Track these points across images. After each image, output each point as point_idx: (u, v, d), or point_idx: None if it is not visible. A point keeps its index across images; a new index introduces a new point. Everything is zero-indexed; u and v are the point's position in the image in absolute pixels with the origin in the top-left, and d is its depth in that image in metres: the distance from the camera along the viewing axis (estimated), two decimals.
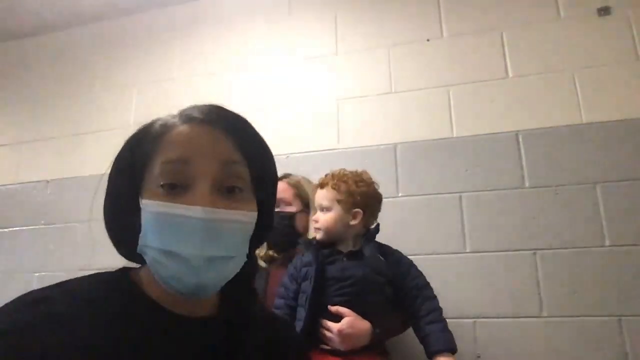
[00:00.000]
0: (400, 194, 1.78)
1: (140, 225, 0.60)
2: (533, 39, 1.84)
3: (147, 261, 0.60)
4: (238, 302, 0.69)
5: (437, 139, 1.81)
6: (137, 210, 0.60)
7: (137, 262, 0.66)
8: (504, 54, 1.86)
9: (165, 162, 0.59)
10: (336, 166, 1.86)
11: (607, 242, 1.57)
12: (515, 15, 1.89)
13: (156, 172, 0.60)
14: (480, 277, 1.63)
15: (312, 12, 2.16)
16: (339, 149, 1.92)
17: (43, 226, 2.23)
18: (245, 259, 0.64)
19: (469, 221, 1.69)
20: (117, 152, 0.66)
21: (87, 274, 0.62)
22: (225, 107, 0.66)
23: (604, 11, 1.80)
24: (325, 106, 2.00)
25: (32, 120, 2.43)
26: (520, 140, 1.73)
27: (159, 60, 2.32)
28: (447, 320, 1.25)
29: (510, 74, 1.83)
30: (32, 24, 2.50)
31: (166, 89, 2.25)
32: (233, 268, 0.61)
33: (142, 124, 0.66)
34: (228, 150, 0.62)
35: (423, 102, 1.88)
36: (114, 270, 0.65)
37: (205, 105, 0.65)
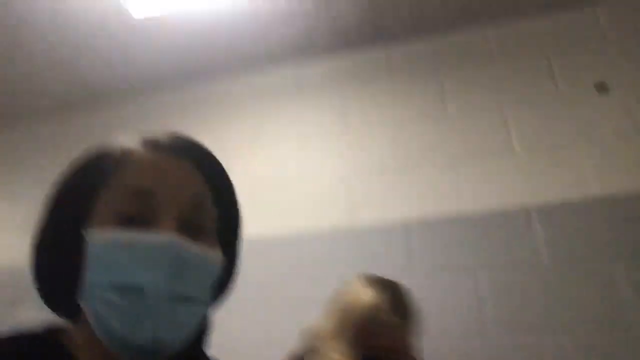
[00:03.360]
0: (415, 272, 1.78)
1: (80, 267, 0.49)
2: (534, 113, 1.90)
3: (90, 308, 0.48)
4: None
5: (448, 215, 1.83)
6: (80, 248, 0.49)
7: (68, 318, 0.55)
8: (508, 130, 1.91)
9: (123, 190, 0.51)
10: (348, 244, 1.87)
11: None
12: (514, 92, 1.96)
13: (111, 202, 0.50)
14: None
15: (321, 94, 2.24)
16: (349, 226, 1.93)
17: None
18: (206, 312, 0.55)
19: (487, 299, 1.67)
20: (59, 177, 0.56)
21: (7, 331, 0.51)
22: (189, 137, 0.59)
23: (601, 87, 1.85)
24: (335, 183, 2.03)
25: None
26: (533, 216, 1.74)
27: None
28: None
29: (516, 149, 1.87)
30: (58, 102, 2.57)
31: None
32: (195, 316, 0.51)
33: (95, 148, 0.57)
34: (196, 185, 0.54)
35: (430, 178, 1.92)
36: (37, 328, 0.53)
37: (170, 132, 0.58)
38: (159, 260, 0.47)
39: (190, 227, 0.51)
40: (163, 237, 0.48)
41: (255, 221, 2.00)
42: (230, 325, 1.84)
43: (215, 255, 0.54)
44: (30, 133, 2.67)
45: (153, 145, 0.55)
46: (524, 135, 1.88)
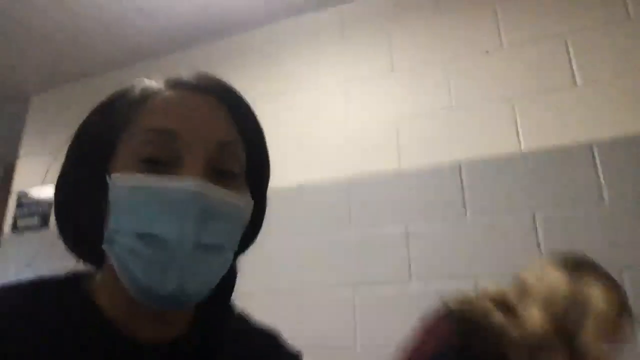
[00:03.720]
0: (468, 214, 1.73)
1: (103, 211, 0.48)
2: (601, 43, 1.74)
3: (114, 255, 0.46)
4: (212, 319, 0.57)
5: (504, 153, 1.75)
6: (102, 191, 0.48)
7: (92, 264, 0.54)
8: (570, 61, 1.77)
9: (147, 130, 0.48)
10: (398, 187, 1.84)
11: None
12: (579, 19, 1.80)
13: (134, 144, 0.48)
14: None
15: (365, 33, 2.15)
16: (400, 169, 1.88)
17: None
18: (232, 260, 0.52)
19: (544, 241, 1.61)
20: (81, 122, 0.54)
21: (30, 278, 0.50)
22: (214, 75, 0.55)
23: None
24: (384, 126, 1.97)
25: None
26: (595, 152, 1.64)
27: None
28: None
29: (579, 82, 1.73)
30: (93, 63, 2.66)
31: None
32: (222, 265, 0.49)
33: (114, 91, 0.54)
34: (225, 126, 0.51)
35: (486, 116, 1.82)
36: (60, 275, 0.52)
37: (196, 71, 0.55)
38: (184, 209, 0.45)
39: (217, 172, 0.49)
40: (189, 184, 0.45)
41: (303, 167, 2.01)
42: (281, 270, 1.90)
43: (244, 202, 0.51)
44: (85, 88, 2.75)
45: (176, 83, 0.52)
46: (588, 67, 1.73)
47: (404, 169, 1.88)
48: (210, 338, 0.55)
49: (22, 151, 2.80)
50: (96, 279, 0.52)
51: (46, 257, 2.35)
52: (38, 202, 2.55)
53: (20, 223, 2.55)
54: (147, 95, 0.51)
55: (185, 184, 0.45)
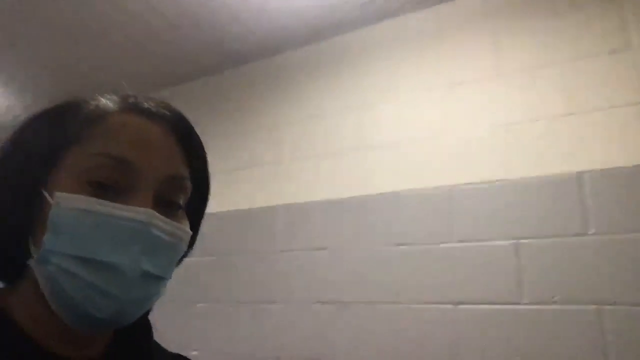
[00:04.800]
0: (591, 232, 1.54)
1: (29, 226, 0.46)
2: None
3: (46, 274, 0.45)
4: (132, 338, 0.57)
5: (634, 165, 1.55)
6: (34, 206, 0.46)
7: (4, 280, 0.52)
8: None
9: (101, 154, 0.47)
10: (506, 198, 1.69)
11: None
12: None
13: (83, 164, 0.47)
14: None
15: (467, 34, 2.02)
16: (508, 179, 1.73)
17: None
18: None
19: None
20: (18, 125, 0.51)
21: None
22: (172, 105, 0.55)
23: None
24: (489, 133, 1.83)
25: None
26: None
27: (309, 95, 2.36)
28: None
29: None
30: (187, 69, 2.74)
31: (317, 123, 2.27)
32: (160, 293, 0.50)
33: (63, 100, 0.53)
34: (178, 160, 0.52)
35: (612, 123, 1.63)
36: None
37: (151, 97, 0.54)
38: (135, 238, 0.45)
39: (164, 202, 0.50)
40: (142, 215, 0.46)
41: (402, 174, 1.91)
42: (376, 281, 1.82)
43: (186, 234, 0.52)
44: (180, 93, 2.84)
45: (132, 107, 0.51)
46: None
47: (512, 178, 1.72)
48: (131, 357, 0.56)
49: None
50: (10, 296, 0.50)
51: None
52: None
53: None
54: (101, 115, 0.50)
55: (138, 215, 0.45)
